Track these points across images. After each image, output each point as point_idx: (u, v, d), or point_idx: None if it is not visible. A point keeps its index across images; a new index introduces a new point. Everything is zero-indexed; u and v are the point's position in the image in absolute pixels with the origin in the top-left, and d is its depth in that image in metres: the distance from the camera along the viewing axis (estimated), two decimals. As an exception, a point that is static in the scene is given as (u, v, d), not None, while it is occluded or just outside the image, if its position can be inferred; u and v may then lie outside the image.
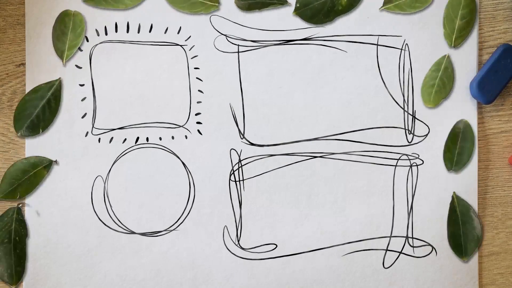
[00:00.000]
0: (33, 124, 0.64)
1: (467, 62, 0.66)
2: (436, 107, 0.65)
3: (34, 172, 0.63)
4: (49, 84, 0.64)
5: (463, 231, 0.65)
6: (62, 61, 0.63)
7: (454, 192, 0.65)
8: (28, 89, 0.64)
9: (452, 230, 0.65)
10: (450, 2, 0.65)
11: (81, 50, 0.64)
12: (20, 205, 0.64)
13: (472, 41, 0.65)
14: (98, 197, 0.65)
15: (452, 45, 0.65)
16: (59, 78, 0.64)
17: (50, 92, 0.64)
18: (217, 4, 0.64)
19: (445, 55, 0.65)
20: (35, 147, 0.64)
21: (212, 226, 0.65)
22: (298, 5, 0.64)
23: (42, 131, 0.64)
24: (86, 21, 0.64)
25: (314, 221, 0.65)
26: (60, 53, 0.64)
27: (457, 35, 0.65)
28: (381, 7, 0.65)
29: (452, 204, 0.65)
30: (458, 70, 0.66)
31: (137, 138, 0.65)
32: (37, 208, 0.64)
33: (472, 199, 0.66)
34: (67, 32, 0.64)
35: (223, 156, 0.65)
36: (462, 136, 0.65)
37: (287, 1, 0.64)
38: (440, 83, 0.65)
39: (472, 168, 0.66)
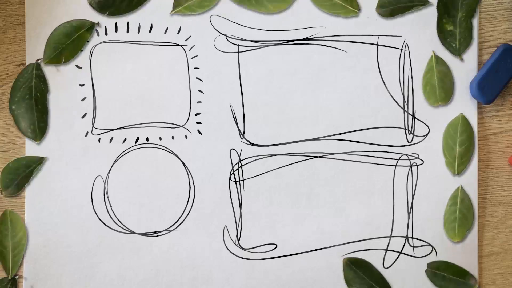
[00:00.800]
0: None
1: (467, 62, 0.66)
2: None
3: (78, 35, 0.63)
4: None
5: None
6: None
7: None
8: (28, 89, 0.64)
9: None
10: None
11: (81, 50, 0.64)
12: (40, 60, 0.63)
13: (472, 41, 0.65)
14: (98, 197, 0.65)
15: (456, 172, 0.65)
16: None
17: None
18: (356, 11, 0.65)
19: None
20: (35, 147, 0.64)
21: (212, 226, 0.65)
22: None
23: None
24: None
25: (314, 221, 0.65)
26: None
27: (458, 162, 0.65)
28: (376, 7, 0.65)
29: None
30: (457, 70, 0.66)
31: (137, 138, 0.65)
32: (34, 200, 0.64)
33: (472, 199, 0.65)
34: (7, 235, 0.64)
35: (223, 156, 0.65)
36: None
37: (428, 1, 0.64)
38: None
39: (472, 168, 0.66)
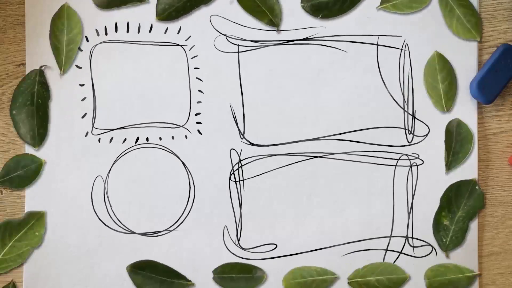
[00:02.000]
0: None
1: (467, 62, 0.66)
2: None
3: None
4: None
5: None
6: (60, 71, 0.64)
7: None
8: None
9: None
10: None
11: (81, 50, 0.64)
12: (43, 67, 0.64)
13: (472, 41, 0.65)
14: (98, 197, 0.65)
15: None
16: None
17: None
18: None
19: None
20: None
21: (212, 226, 0.65)
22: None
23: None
24: (84, 22, 0.64)
25: (314, 221, 0.65)
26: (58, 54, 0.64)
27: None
28: (379, 5, 0.65)
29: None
30: (457, 70, 0.66)
31: (137, 138, 0.65)
32: (34, 200, 0.64)
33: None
34: (63, 31, 0.64)
35: (223, 156, 0.65)
36: (456, 136, 0.65)
37: None
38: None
39: (472, 168, 0.66)
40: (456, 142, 0.65)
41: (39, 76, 0.63)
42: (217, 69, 0.65)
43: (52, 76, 0.64)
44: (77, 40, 0.64)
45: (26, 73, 0.64)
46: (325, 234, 0.65)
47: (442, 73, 0.65)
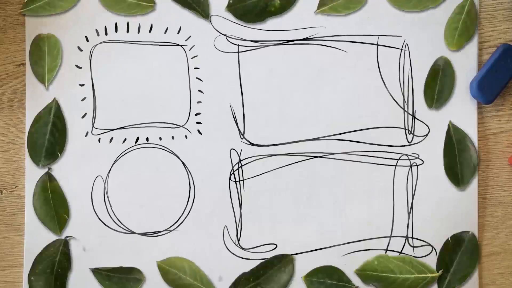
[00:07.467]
0: (48, 152, 0.64)
1: (467, 62, 0.66)
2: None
3: None
4: (48, 108, 0.64)
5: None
6: (45, 85, 0.63)
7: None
8: (28, 89, 0.64)
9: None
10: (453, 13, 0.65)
11: (81, 50, 0.64)
12: (68, 238, 0.64)
13: (472, 41, 0.65)
14: (98, 197, 0.65)
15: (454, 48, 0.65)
16: (54, 98, 0.64)
17: (52, 115, 0.64)
18: (152, 5, 0.64)
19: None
20: (33, 212, 0.64)
21: (212, 226, 0.65)
22: (231, 1, 0.64)
23: (60, 154, 0.64)
24: (84, 22, 0.64)
25: (314, 221, 0.65)
26: (41, 78, 0.64)
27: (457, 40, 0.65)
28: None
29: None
30: (457, 70, 0.66)
31: (137, 138, 0.65)
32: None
33: (472, 199, 0.65)
34: (44, 56, 0.63)
35: (223, 156, 0.65)
36: (456, 139, 0.65)
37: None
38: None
39: (472, 168, 0.66)
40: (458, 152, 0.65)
41: (63, 246, 0.64)
42: (217, 69, 0.65)
43: (75, 246, 0.64)
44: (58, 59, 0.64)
45: (26, 73, 0.64)
46: (325, 234, 0.65)
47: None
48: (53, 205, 0.63)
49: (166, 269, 0.64)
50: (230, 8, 0.64)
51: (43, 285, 0.63)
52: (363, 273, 0.64)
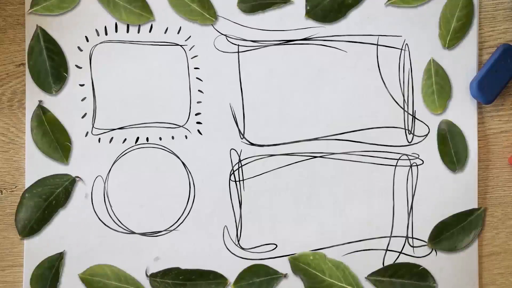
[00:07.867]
0: (54, 76, 0.64)
1: (467, 62, 0.66)
2: (445, 110, 0.65)
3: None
4: (35, 38, 0.63)
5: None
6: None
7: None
8: (28, 89, 0.64)
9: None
10: (448, 2, 0.65)
11: (81, 50, 0.64)
12: (78, 179, 0.64)
13: (471, 41, 0.65)
14: (98, 197, 0.65)
15: (446, 46, 0.65)
16: (36, 25, 0.63)
17: (42, 43, 0.63)
18: (213, 19, 0.64)
19: (430, 60, 0.65)
20: (35, 148, 0.64)
21: (212, 226, 0.65)
22: (308, 7, 0.64)
23: (66, 74, 0.64)
24: (84, 22, 0.64)
25: (314, 221, 0.65)
26: None
27: (452, 37, 0.65)
28: (387, 1, 0.65)
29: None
30: (457, 70, 0.66)
31: (137, 138, 0.65)
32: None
33: (472, 199, 0.66)
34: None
35: (223, 156, 0.65)
36: (450, 137, 0.65)
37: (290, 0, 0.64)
38: (438, 87, 0.65)
39: (472, 168, 0.66)
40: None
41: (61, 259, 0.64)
42: (217, 69, 0.65)
43: None
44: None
45: (26, 73, 0.64)
46: (325, 234, 0.65)
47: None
48: (53, 136, 0.63)
49: (89, 279, 0.64)
50: (310, 14, 0.64)
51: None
52: (296, 262, 0.64)
